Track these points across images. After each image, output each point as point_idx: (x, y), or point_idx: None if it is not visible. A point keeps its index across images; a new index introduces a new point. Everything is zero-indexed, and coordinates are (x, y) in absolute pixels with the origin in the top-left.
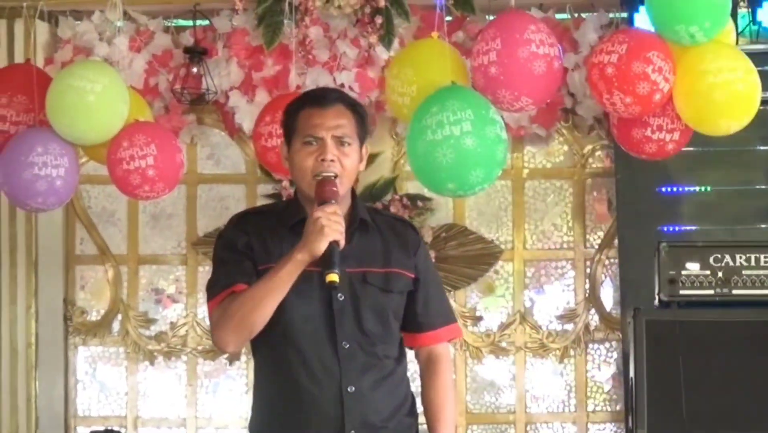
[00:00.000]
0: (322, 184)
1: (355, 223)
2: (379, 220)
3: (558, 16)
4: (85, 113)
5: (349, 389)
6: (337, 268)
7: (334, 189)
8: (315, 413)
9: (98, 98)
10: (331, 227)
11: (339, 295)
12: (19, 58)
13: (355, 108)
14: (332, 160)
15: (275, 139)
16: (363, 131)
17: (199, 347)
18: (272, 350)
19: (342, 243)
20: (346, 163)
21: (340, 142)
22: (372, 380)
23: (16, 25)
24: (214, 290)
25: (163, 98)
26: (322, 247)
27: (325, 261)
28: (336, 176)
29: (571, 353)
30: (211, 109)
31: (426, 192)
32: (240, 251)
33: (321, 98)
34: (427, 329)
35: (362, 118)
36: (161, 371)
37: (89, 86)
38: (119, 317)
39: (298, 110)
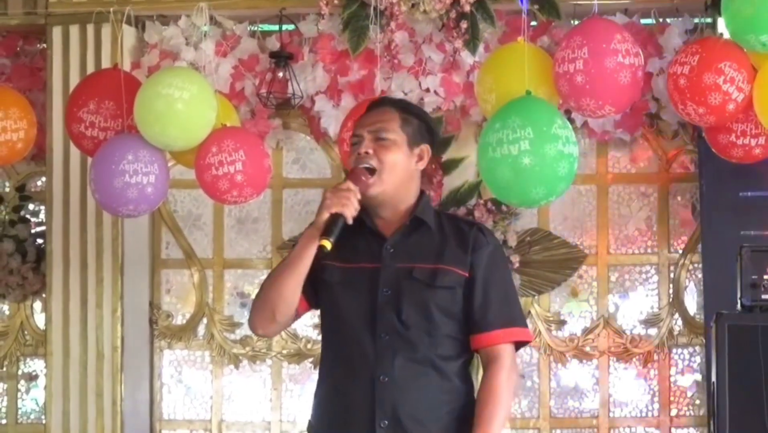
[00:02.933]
0: (352, 170)
1: (408, 220)
2: (446, 222)
3: (643, 21)
4: (173, 121)
5: (381, 378)
6: (333, 236)
7: (363, 178)
8: (350, 402)
9: (186, 106)
10: (332, 199)
11: (385, 290)
12: (106, 63)
13: (402, 107)
14: (367, 153)
15: None
16: (415, 131)
17: (284, 351)
18: (326, 339)
19: (348, 216)
20: (384, 157)
21: (377, 137)
22: (410, 372)
23: (103, 30)
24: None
25: (249, 103)
26: (323, 217)
27: (324, 229)
28: (373, 168)
29: (655, 357)
30: (297, 113)
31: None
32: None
33: (372, 105)
34: (485, 329)
35: (414, 117)
36: (246, 374)
37: (177, 94)
38: (204, 320)
39: (367, 111)
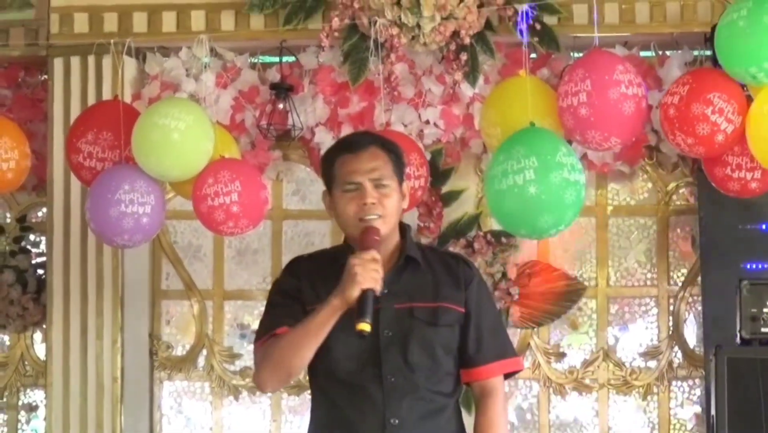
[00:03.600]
0: (365, 232)
1: (401, 260)
2: (431, 256)
3: (642, 53)
4: (169, 151)
5: (392, 421)
6: (369, 316)
7: (376, 237)
8: None
9: (182, 136)
10: (364, 274)
11: (386, 331)
12: (107, 94)
13: (389, 148)
14: (373, 203)
15: None
16: (400, 169)
17: None
18: (321, 381)
19: (378, 289)
20: (386, 203)
21: (378, 184)
22: (418, 413)
23: (104, 62)
24: (259, 332)
25: (250, 134)
26: (354, 293)
27: (358, 309)
28: (380, 217)
29: (655, 390)
30: (297, 145)
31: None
32: (289, 295)
33: (354, 144)
34: (479, 363)
35: (398, 157)
36: (246, 406)
37: (173, 124)
38: (204, 351)
39: (334, 159)
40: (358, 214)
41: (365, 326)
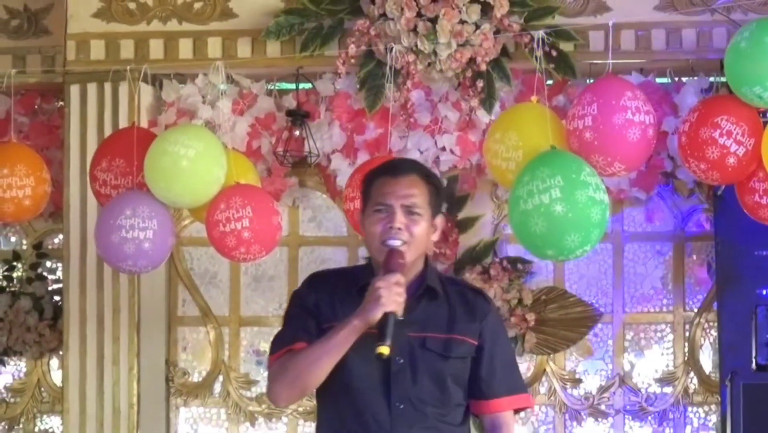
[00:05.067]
0: (390, 255)
1: (421, 289)
2: (450, 288)
3: (658, 80)
4: (178, 178)
5: None
6: (389, 339)
7: (401, 261)
8: None
9: (192, 163)
10: (388, 297)
11: (398, 358)
12: (123, 121)
13: (430, 179)
14: (399, 228)
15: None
16: (437, 203)
17: (300, 409)
18: (331, 401)
19: (400, 313)
20: (414, 231)
21: (409, 211)
22: None
23: (120, 88)
24: (276, 345)
25: (266, 161)
26: (377, 315)
27: (379, 332)
28: (404, 243)
29: (671, 416)
30: (313, 171)
31: (526, 255)
32: (307, 309)
33: (396, 168)
34: (490, 397)
35: (437, 189)
36: (262, 432)
37: (183, 151)
38: (221, 378)
39: (374, 179)
40: (383, 236)
41: (385, 349)
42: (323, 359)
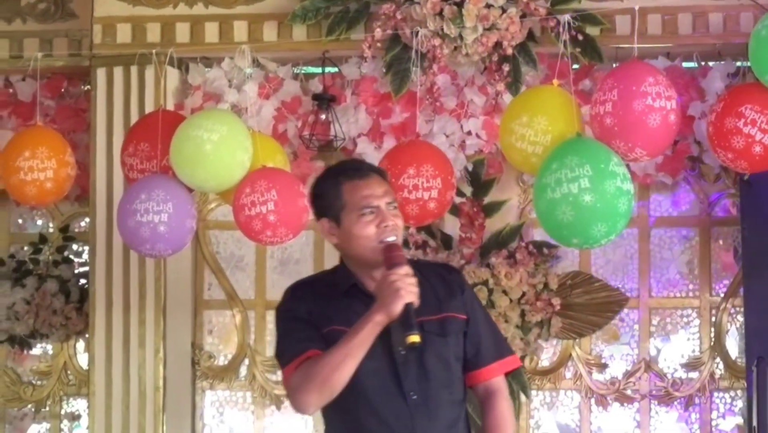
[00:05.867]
0: (390, 249)
1: None
2: (425, 270)
3: (685, 64)
4: (202, 162)
5: None
6: (416, 328)
7: (401, 253)
8: None
9: (215, 147)
10: (406, 288)
11: (400, 349)
12: (149, 104)
13: (383, 173)
14: (393, 225)
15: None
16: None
17: None
18: (342, 406)
19: (416, 303)
20: (400, 225)
21: (392, 207)
22: (443, 426)
23: (147, 72)
24: (287, 356)
25: (292, 145)
26: (398, 308)
27: (404, 322)
28: (396, 238)
29: (696, 401)
30: (339, 155)
31: (551, 239)
32: (303, 319)
33: (360, 170)
34: (481, 366)
35: (388, 180)
36: (288, 415)
37: (206, 135)
38: (246, 361)
39: (340, 185)
40: (379, 236)
41: (415, 338)
42: (349, 360)
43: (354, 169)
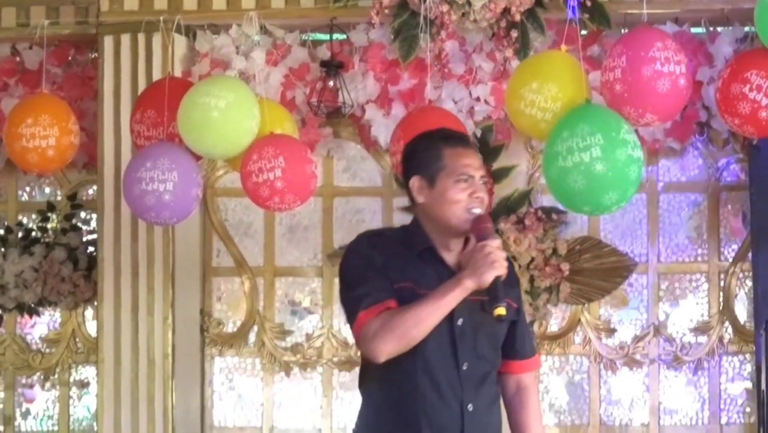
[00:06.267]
0: (481, 220)
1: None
2: None
3: (693, 29)
4: (209, 129)
5: (468, 408)
6: (503, 301)
7: (491, 225)
8: (436, 426)
9: (222, 114)
10: (500, 261)
11: (459, 320)
12: (157, 72)
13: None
14: (483, 198)
15: None
16: None
17: (335, 359)
18: (402, 359)
19: (504, 278)
20: (485, 200)
21: (483, 182)
22: (485, 401)
23: (154, 39)
24: (367, 300)
25: (300, 111)
26: (490, 278)
27: (492, 294)
28: (482, 211)
29: (705, 365)
30: (348, 122)
31: (561, 205)
32: (377, 269)
33: (463, 140)
34: (521, 357)
35: None
36: (297, 382)
37: (213, 102)
38: (255, 328)
39: (442, 148)
40: (468, 204)
41: (502, 310)
42: (432, 317)
43: (457, 137)
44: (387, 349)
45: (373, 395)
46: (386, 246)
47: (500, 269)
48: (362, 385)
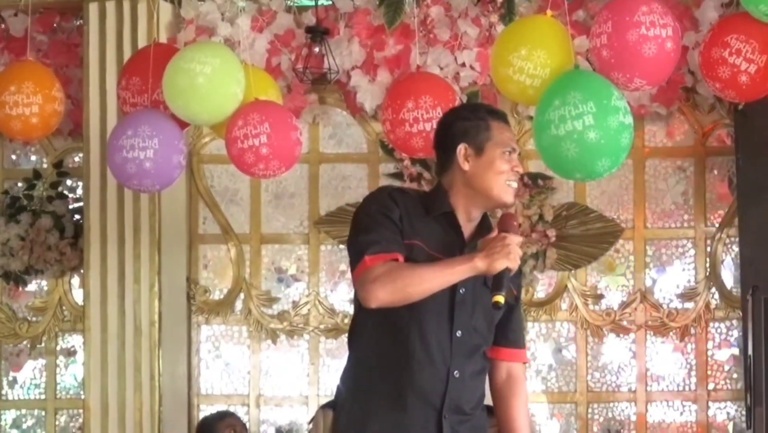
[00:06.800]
0: (509, 217)
1: (484, 232)
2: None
3: None
4: (195, 95)
5: (455, 374)
6: (505, 291)
7: (517, 223)
8: (421, 387)
9: (207, 80)
10: (515, 255)
11: (461, 289)
12: (142, 39)
13: None
14: (520, 172)
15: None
16: None
17: (321, 326)
18: (397, 317)
19: (513, 271)
20: (520, 172)
21: (516, 155)
22: (472, 370)
23: (139, 6)
24: (375, 247)
25: (286, 78)
26: (501, 267)
27: (496, 282)
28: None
29: (692, 331)
30: (333, 89)
31: (548, 171)
32: (393, 221)
33: (504, 116)
34: (513, 346)
35: None
36: (283, 349)
37: (199, 68)
38: (242, 295)
39: (490, 121)
40: (509, 177)
41: (500, 299)
42: (435, 281)
43: (500, 112)
44: (381, 296)
45: (363, 349)
46: (406, 202)
47: (513, 262)
48: (352, 340)
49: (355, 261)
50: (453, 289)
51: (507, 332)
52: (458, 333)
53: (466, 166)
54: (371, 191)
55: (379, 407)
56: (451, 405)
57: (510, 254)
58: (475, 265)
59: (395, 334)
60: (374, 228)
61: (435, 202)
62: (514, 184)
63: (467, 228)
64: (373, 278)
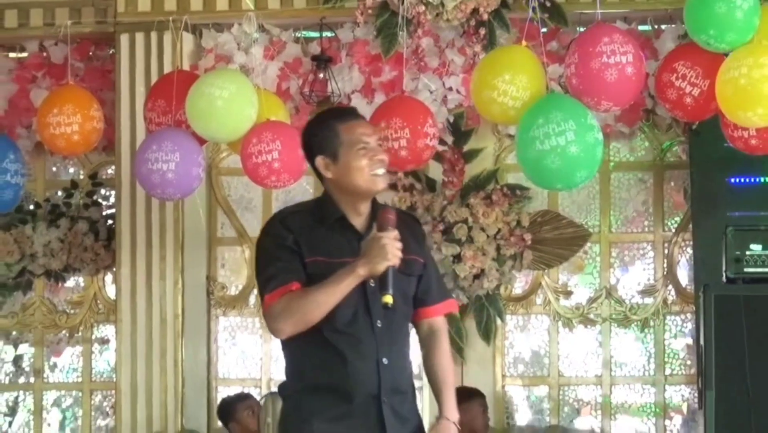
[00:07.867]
0: (384, 212)
1: (377, 215)
2: (399, 217)
3: (641, 27)
4: (214, 116)
5: (383, 361)
6: (392, 289)
7: (393, 217)
8: (358, 381)
9: (226, 103)
10: (393, 252)
11: (371, 282)
12: (167, 66)
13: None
14: (382, 158)
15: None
16: None
17: None
18: (322, 329)
19: (397, 265)
20: (386, 159)
21: (379, 143)
22: (398, 352)
23: (165, 37)
24: (272, 284)
25: (294, 100)
26: (382, 268)
27: (382, 283)
28: (384, 172)
29: (651, 324)
30: None
31: (524, 182)
32: (289, 248)
33: (353, 113)
34: (429, 304)
35: None
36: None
37: (218, 92)
38: (255, 291)
39: (336, 125)
40: (372, 168)
41: (389, 299)
42: (329, 301)
43: (346, 113)
44: (287, 330)
45: (295, 351)
46: (298, 223)
47: (392, 260)
48: (285, 347)
49: (261, 299)
50: (363, 284)
51: (422, 295)
52: (378, 323)
53: (329, 175)
54: (264, 224)
55: (323, 401)
56: (388, 389)
57: (387, 253)
58: (358, 273)
59: (323, 343)
60: (270, 262)
61: (326, 211)
62: (380, 171)
63: (360, 221)
64: (275, 316)
